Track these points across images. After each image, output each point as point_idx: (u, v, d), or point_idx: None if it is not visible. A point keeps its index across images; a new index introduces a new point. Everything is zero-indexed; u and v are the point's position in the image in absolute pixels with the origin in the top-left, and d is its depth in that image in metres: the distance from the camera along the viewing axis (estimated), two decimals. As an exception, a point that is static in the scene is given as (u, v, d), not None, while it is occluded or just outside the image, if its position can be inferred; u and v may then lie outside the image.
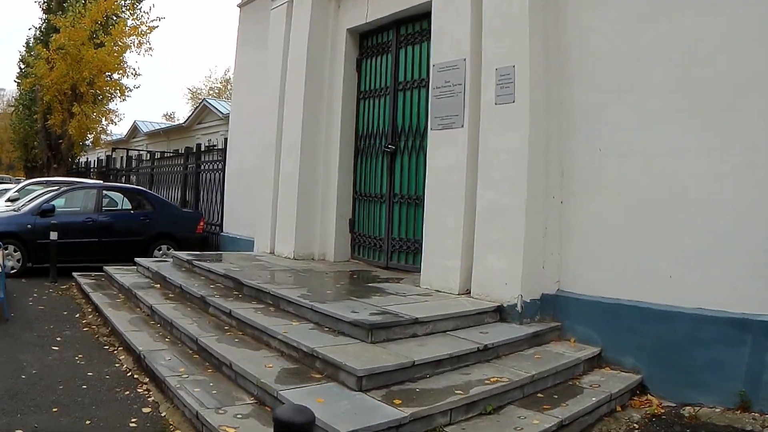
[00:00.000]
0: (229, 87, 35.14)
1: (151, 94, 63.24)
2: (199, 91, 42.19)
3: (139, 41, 17.88)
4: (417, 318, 4.37)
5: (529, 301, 4.82)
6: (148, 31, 18.06)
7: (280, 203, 7.77)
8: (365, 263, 7.29)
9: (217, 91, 40.35)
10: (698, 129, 4.22)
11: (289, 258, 7.47)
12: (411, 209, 6.58)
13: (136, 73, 18.90)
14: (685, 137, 4.26)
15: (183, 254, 7.52)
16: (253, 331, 4.63)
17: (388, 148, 6.79)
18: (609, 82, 4.70)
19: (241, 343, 4.52)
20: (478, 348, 4.18)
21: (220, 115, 20.48)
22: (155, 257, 8.87)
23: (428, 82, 6.18)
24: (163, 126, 29.26)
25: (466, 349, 4.12)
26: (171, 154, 17.48)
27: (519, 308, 4.78)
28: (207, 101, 23.51)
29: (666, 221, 4.35)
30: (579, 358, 4.40)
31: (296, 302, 4.88)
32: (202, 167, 11.94)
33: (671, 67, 4.34)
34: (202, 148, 13.05)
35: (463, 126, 5.32)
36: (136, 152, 21.17)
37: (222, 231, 10.51)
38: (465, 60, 5.33)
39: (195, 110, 24.26)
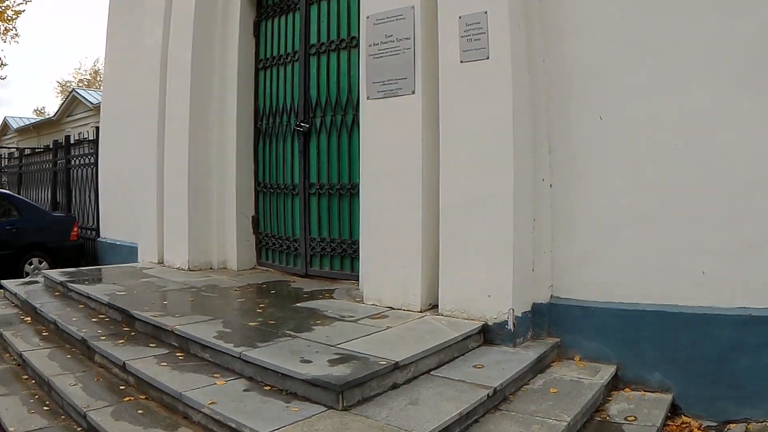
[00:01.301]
0: (99, 78, 32.21)
1: (24, 88, 59.14)
2: (68, 84, 38.37)
3: (5, 27, 15.00)
4: (396, 362, 2.99)
5: (521, 315, 3.64)
6: (14, 15, 15.21)
7: (168, 201, 5.96)
8: (277, 271, 5.73)
9: (86, 82, 37.38)
10: (740, 93, 3.24)
11: (183, 269, 5.72)
12: (335, 202, 5.12)
13: (1, 63, 16.22)
14: (722, 103, 3.27)
15: (55, 274, 5.50)
16: (161, 395, 2.99)
17: (300, 126, 5.25)
18: (617, 34, 3.59)
19: (148, 416, 2.87)
20: (488, 395, 2.91)
21: (91, 105, 18.80)
22: (26, 276, 7.01)
23: (354, 41, 4.77)
24: (33, 121, 26.31)
25: (474, 400, 2.83)
26: (40, 150, 14.50)
27: (510, 326, 3.58)
28: (77, 92, 21.53)
29: (698, 206, 3.35)
30: (599, 384, 3.30)
31: (214, 347, 3.30)
32: (72, 162, 10.14)
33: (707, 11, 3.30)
34: (72, 141, 10.81)
35: (414, 92, 3.97)
36: (6, 150, 18.41)
37: (99, 236, 8.44)
38: (413, 7, 3.96)
39: (64, 102, 22.27)
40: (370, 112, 4.24)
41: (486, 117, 3.63)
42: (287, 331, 3.54)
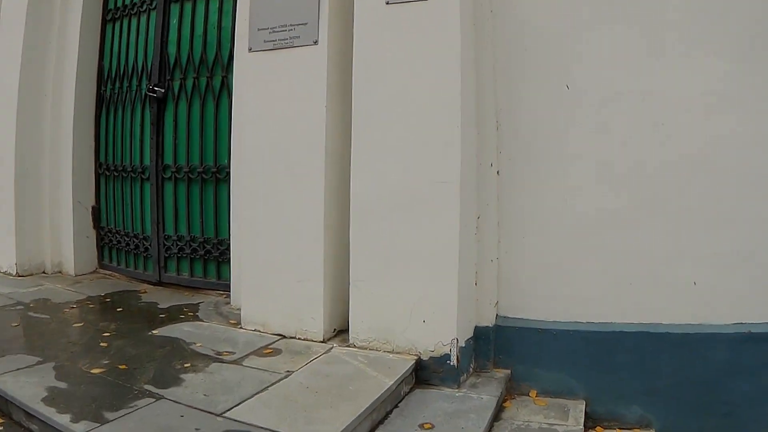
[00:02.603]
0: None
1: None
2: None
3: None
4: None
5: (464, 344, 2.64)
6: None
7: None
8: (124, 276, 4.21)
9: None
10: (740, 70, 2.51)
11: (9, 275, 4.08)
12: (197, 189, 3.75)
13: None
14: (717, 81, 2.52)
15: None
16: None
17: (153, 91, 3.79)
18: None
19: None
20: (458, 482, 1.84)
21: None
22: None
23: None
24: None
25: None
26: None
27: (454, 361, 2.56)
28: None
29: (686, 204, 2.57)
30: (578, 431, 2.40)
31: (44, 419, 1.91)
32: None
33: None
34: None
35: (317, 42, 2.78)
36: None
37: None
38: None
39: None
40: (252, 69, 2.97)
41: (425, 80, 2.57)
42: (146, 386, 2.21)
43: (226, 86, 3.48)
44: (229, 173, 3.48)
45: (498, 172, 2.81)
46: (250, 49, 2.93)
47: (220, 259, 3.69)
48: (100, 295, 3.72)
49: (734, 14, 2.50)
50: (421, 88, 2.57)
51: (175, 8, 3.74)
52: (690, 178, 2.56)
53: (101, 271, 4.41)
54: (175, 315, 3.28)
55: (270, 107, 2.88)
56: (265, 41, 2.88)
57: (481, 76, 2.75)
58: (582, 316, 2.68)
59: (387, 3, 2.62)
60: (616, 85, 2.63)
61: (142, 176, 4.04)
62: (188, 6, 3.66)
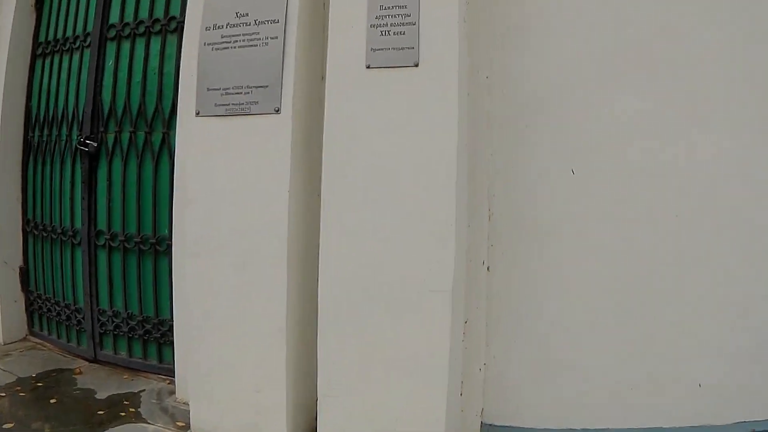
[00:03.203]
0: None
1: None
2: None
3: None
4: None
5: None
6: None
7: None
8: (57, 348, 3.51)
9: None
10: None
11: None
12: (133, 261, 3.12)
13: None
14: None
15: None
16: None
17: (84, 145, 3.15)
18: (610, 37, 2.25)
19: None
20: None
21: None
22: None
23: (174, 23, 2.86)
24: None
25: None
26: None
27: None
28: None
29: (692, 302, 2.15)
30: None
31: None
32: None
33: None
34: None
35: (279, 110, 2.23)
36: None
37: None
38: None
39: None
40: (199, 138, 2.39)
41: (414, 160, 2.06)
42: None
43: (167, 144, 2.88)
44: (170, 246, 2.86)
45: (488, 269, 2.31)
46: (197, 113, 2.35)
47: (162, 341, 3.07)
48: (31, 377, 3.08)
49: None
50: (409, 171, 2.06)
51: (111, 47, 3.11)
52: (697, 277, 2.14)
53: (31, 339, 3.70)
54: (115, 412, 2.68)
55: (219, 186, 2.31)
56: (216, 105, 2.31)
57: (476, 155, 2.26)
58: (577, 421, 2.21)
59: (367, 67, 2.10)
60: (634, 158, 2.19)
61: (73, 240, 3.37)
62: (126, 46, 3.04)
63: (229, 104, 2.27)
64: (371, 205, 2.10)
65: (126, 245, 3.11)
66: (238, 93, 2.26)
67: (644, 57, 2.19)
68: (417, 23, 2.06)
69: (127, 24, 3.02)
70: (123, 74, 3.04)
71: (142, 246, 3.05)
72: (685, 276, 2.19)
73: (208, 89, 2.32)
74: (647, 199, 2.20)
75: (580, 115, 2.26)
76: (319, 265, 2.18)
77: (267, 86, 2.21)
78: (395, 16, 2.07)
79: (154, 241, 3.00)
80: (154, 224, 2.99)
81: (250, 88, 2.24)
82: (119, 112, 3.05)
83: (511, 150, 2.31)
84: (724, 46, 2.17)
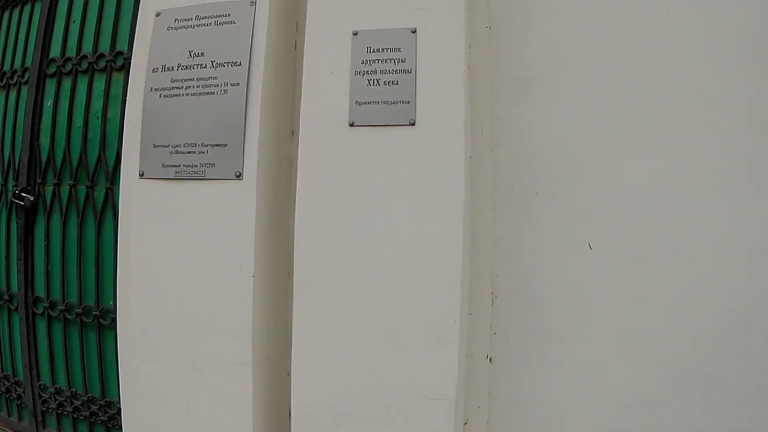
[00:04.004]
0: None
1: None
2: None
3: None
4: None
5: None
6: None
7: None
8: None
9: None
10: None
11: None
12: (75, 333, 2.58)
13: None
14: None
15: None
16: None
17: (20, 198, 2.61)
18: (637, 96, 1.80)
19: None
20: None
21: None
22: None
23: (121, 58, 2.36)
24: None
25: None
26: None
27: None
28: None
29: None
30: None
31: None
32: None
33: None
34: None
35: (241, 175, 1.74)
36: None
37: None
38: (254, 2, 1.76)
39: None
40: (143, 204, 1.89)
41: (409, 236, 1.58)
42: None
43: (111, 201, 2.36)
44: (114, 320, 2.34)
45: (491, 360, 1.84)
46: (141, 174, 1.85)
47: (110, 425, 2.53)
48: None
49: None
50: (403, 253, 1.59)
51: (50, 85, 2.59)
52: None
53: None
54: None
55: (167, 266, 1.81)
56: (163, 165, 1.81)
57: (477, 228, 1.80)
58: None
59: (351, 125, 1.63)
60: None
61: (10, 306, 2.81)
62: (67, 83, 2.52)
63: (179, 165, 1.78)
64: (355, 296, 1.62)
65: (67, 315, 2.57)
66: (190, 152, 1.77)
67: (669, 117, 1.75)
68: (414, 70, 1.60)
69: (69, 59, 2.51)
70: (63, 117, 2.52)
71: (84, 318, 2.52)
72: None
73: (155, 146, 1.82)
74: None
75: (598, 181, 1.81)
76: (291, 368, 1.69)
77: (226, 145, 1.73)
78: (387, 61, 1.61)
79: (97, 313, 2.47)
80: (97, 294, 2.46)
81: (206, 146, 1.75)
82: (58, 161, 2.52)
83: (517, 221, 1.85)
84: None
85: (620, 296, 1.78)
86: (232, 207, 1.71)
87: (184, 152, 1.77)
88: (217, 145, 1.74)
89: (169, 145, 1.80)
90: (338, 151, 1.63)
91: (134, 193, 1.87)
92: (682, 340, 1.72)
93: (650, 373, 1.72)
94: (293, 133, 1.82)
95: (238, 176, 1.71)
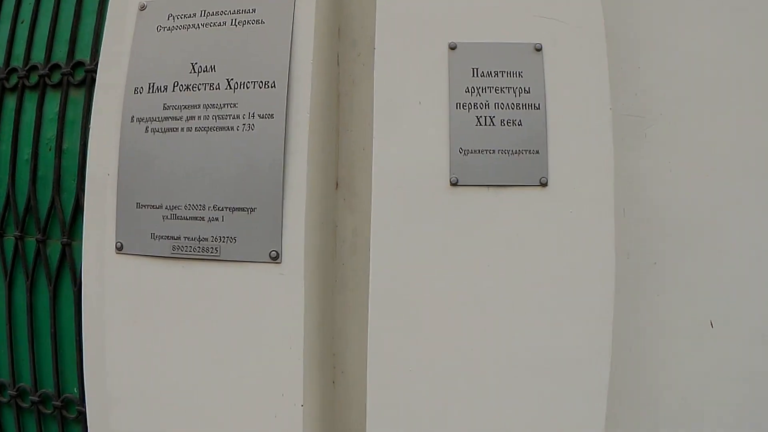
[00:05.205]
0: None
1: None
2: None
3: None
4: None
5: None
6: None
7: None
8: None
9: None
10: None
11: None
12: (32, 426, 1.85)
13: None
14: None
15: None
16: None
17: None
18: None
19: None
20: None
21: None
22: None
23: (81, 70, 1.63)
24: None
25: None
26: None
27: None
28: None
29: None
30: None
31: None
32: None
33: None
34: None
35: (279, 258, 1.11)
36: None
37: None
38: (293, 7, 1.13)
39: None
40: (124, 290, 1.22)
41: (535, 365, 0.99)
42: None
43: (70, 261, 1.65)
44: (82, 413, 1.66)
45: None
46: (119, 248, 1.19)
47: None
48: None
49: None
50: (531, 374, 1.00)
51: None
52: None
53: None
54: None
55: (166, 385, 1.16)
56: (153, 236, 1.16)
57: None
58: None
59: (453, 184, 1.05)
60: None
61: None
62: (10, 102, 1.77)
63: (178, 237, 1.13)
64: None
65: (19, 403, 1.85)
66: (197, 218, 1.12)
67: None
68: (543, 105, 1.02)
69: (14, 70, 1.77)
70: (5, 147, 1.78)
71: (41, 407, 1.80)
72: None
73: (140, 205, 1.16)
74: None
75: (724, 248, 1.31)
76: None
77: (254, 209, 1.09)
78: (504, 90, 1.02)
79: (58, 403, 1.76)
80: (57, 379, 1.76)
81: (221, 210, 1.11)
82: (0, 206, 1.79)
83: (632, 296, 1.33)
84: None
85: (743, 381, 1.30)
86: (265, 304, 1.08)
87: (185, 218, 1.13)
88: (239, 209, 1.10)
89: (162, 206, 1.15)
90: (432, 226, 1.03)
91: (108, 276, 1.20)
92: None
93: None
94: (337, 185, 1.21)
95: (275, 258, 1.07)
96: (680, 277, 1.33)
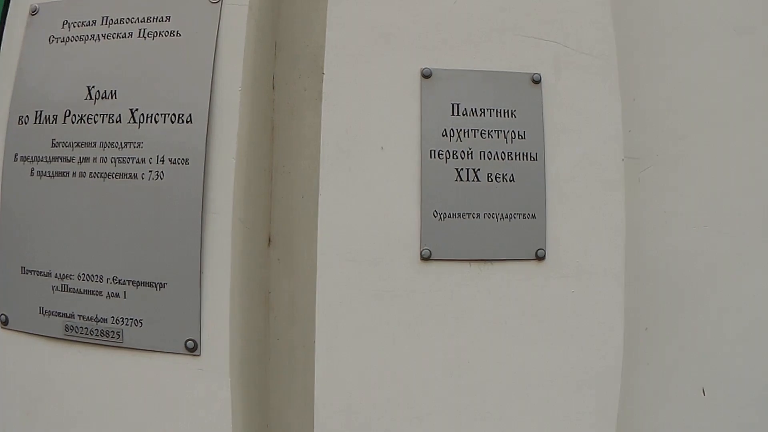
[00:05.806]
0: None
1: None
2: None
3: None
4: None
5: None
6: None
7: None
8: None
9: None
10: None
11: None
12: None
13: None
14: None
15: None
16: None
17: None
18: None
19: None
20: None
21: None
22: None
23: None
24: None
25: None
26: None
27: None
28: None
29: None
30: None
31: None
32: None
33: None
34: None
35: (197, 348, 0.83)
36: None
37: None
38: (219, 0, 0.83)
39: None
40: (9, 378, 0.93)
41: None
42: None
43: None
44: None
45: None
46: (4, 322, 0.91)
47: None
48: None
49: None
50: None
51: None
52: None
53: None
54: None
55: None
56: (42, 311, 0.88)
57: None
58: None
59: (425, 258, 0.78)
60: None
61: None
62: None
63: (71, 315, 0.85)
64: None
65: None
66: (92, 292, 0.85)
67: None
68: (541, 155, 0.74)
69: None
70: None
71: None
72: None
73: (25, 270, 0.88)
74: None
75: (723, 307, 1.07)
76: None
77: (164, 285, 0.82)
78: (491, 135, 0.75)
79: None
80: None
81: (123, 283, 0.83)
82: None
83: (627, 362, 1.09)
84: None
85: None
86: (180, 406, 0.81)
87: (79, 290, 0.85)
88: (145, 284, 0.82)
89: (50, 273, 0.87)
90: (397, 313, 0.76)
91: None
92: None
93: None
94: (270, 241, 0.94)
95: (192, 349, 0.80)
96: (673, 342, 1.09)
